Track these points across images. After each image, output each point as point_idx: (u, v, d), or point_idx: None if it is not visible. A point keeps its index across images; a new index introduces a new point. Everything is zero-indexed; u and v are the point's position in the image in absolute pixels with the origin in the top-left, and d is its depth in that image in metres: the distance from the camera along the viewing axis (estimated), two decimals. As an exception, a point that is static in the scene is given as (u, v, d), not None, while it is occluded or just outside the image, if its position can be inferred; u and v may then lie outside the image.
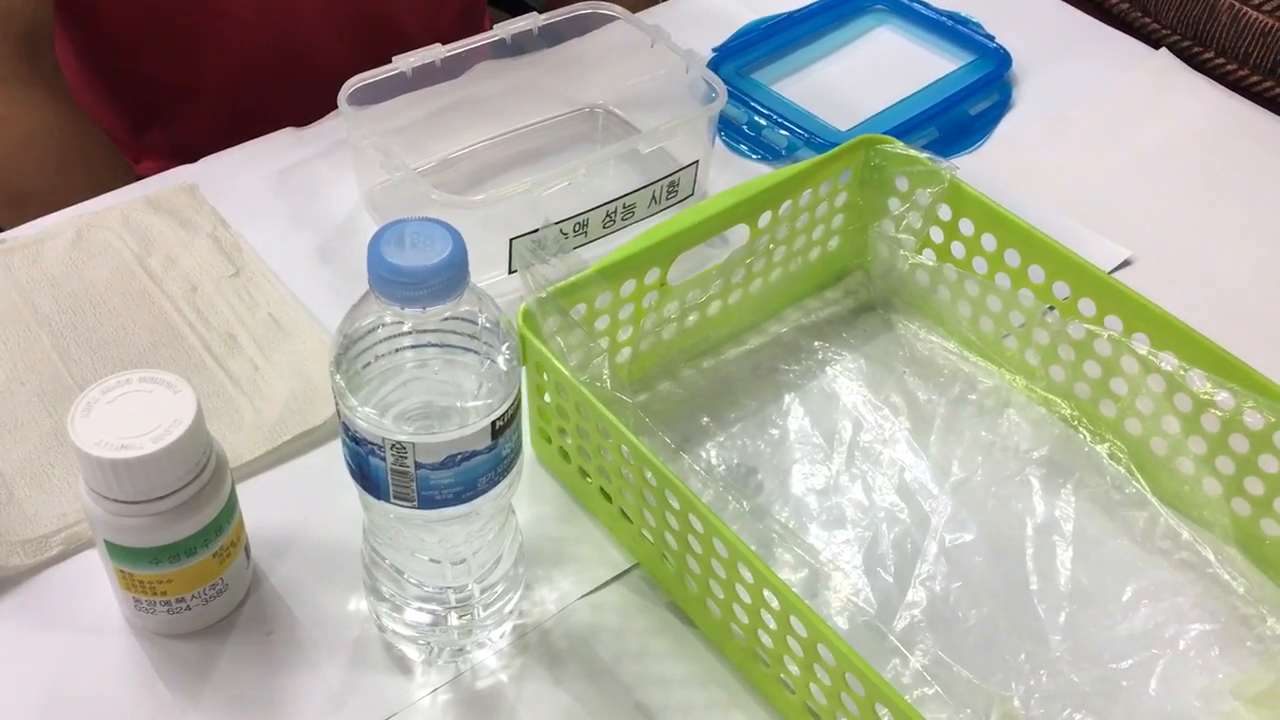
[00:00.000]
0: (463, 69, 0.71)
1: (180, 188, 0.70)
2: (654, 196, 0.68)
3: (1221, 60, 0.85)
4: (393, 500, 0.43)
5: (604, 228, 0.66)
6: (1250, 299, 0.67)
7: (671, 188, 0.68)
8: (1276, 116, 0.79)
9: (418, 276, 0.39)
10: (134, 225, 0.67)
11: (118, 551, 0.47)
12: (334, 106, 0.66)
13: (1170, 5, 0.87)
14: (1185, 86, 0.81)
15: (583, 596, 0.53)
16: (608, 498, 0.54)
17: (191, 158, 0.73)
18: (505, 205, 0.62)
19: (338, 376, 0.42)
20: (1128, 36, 0.86)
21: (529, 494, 0.56)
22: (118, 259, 0.65)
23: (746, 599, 0.47)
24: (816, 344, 0.64)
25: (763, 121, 0.76)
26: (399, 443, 0.41)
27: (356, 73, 0.67)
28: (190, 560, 0.48)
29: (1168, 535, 0.55)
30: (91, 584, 0.52)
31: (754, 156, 0.76)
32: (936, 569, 0.53)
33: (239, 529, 0.50)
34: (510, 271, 0.64)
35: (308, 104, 0.75)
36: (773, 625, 0.46)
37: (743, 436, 0.59)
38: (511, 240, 0.62)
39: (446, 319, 0.42)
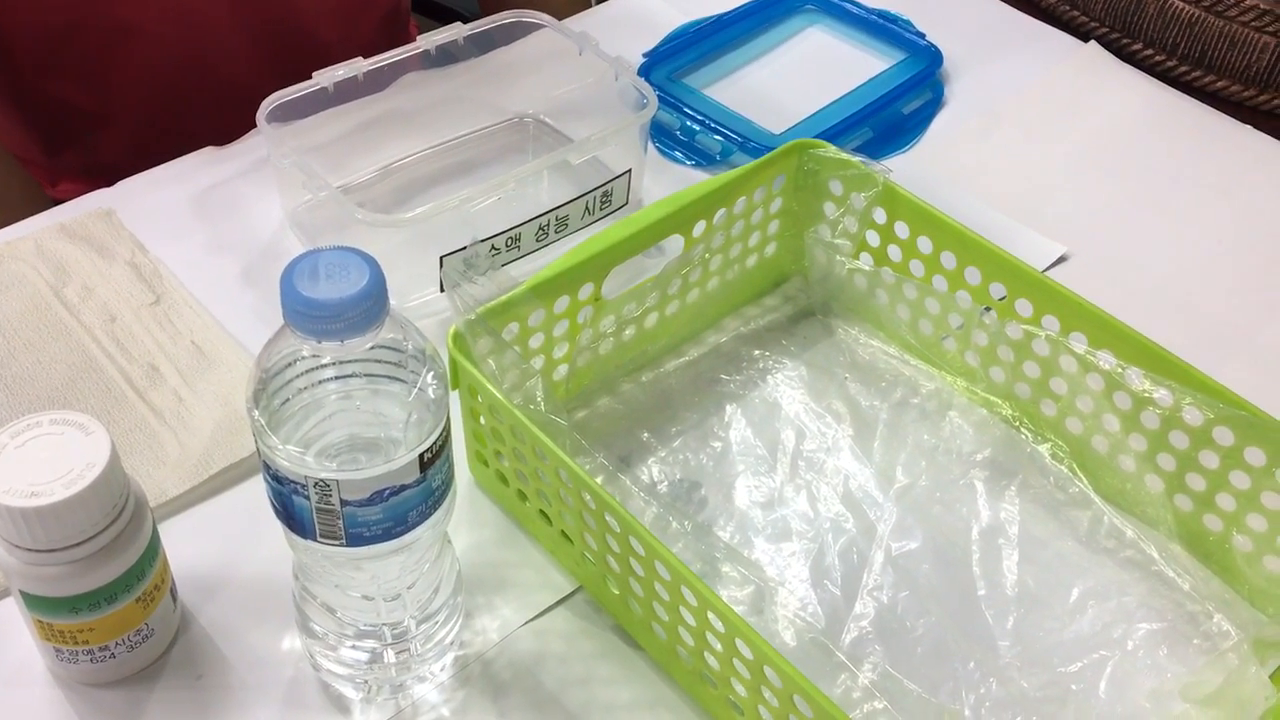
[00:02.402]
0: (387, 82, 0.69)
1: (96, 213, 0.67)
2: (587, 207, 0.66)
3: (1150, 51, 0.85)
4: (319, 539, 0.42)
5: (538, 241, 0.65)
6: (1184, 290, 0.68)
7: (605, 198, 0.67)
8: (1206, 106, 0.80)
9: (333, 309, 0.37)
10: (48, 254, 0.64)
11: (34, 602, 0.45)
12: (255, 123, 0.64)
13: (1098, -3, 0.87)
14: (1115, 78, 0.82)
15: (525, 623, 0.51)
16: (548, 520, 0.52)
17: (108, 179, 0.70)
18: (435, 222, 0.61)
19: (256, 414, 0.40)
20: (1056, 30, 0.86)
21: (467, 518, 0.55)
22: (31, 291, 0.63)
23: (691, 621, 0.46)
24: (756, 352, 0.63)
25: (696, 127, 0.75)
26: (323, 480, 0.40)
27: (276, 88, 0.65)
28: (111, 607, 0.46)
29: (1112, 534, 0.55)
30: (10, 634, 0.50)
31: (688, 162, 0.75)
32: (883, 579, 0.53)
33: (163, 571, 0.48)
34: (442, 290, 0.63)
35: (227, 122, 0.72)
36: (718, 647, 0.45)
37: (684, 451, 0.58)
38: (442, 258, 0.61)
39: (371, 348, 0.40)
